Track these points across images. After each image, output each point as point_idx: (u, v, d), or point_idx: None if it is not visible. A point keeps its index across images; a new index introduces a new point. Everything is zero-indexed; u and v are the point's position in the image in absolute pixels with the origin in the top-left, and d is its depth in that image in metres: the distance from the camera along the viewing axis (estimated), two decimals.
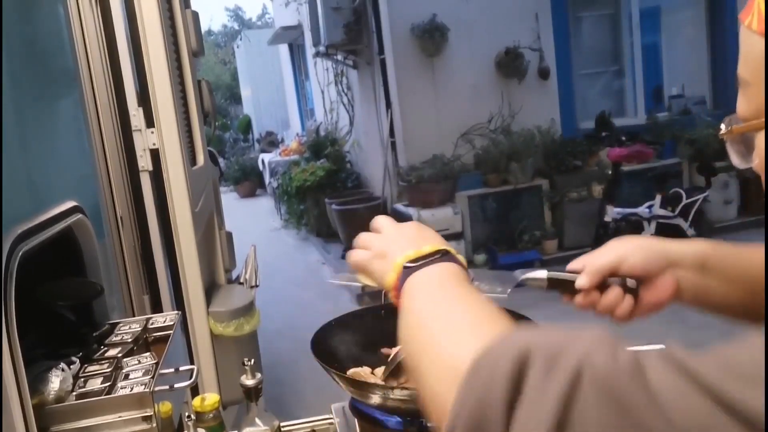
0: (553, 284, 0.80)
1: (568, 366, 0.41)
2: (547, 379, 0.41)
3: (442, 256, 0.64)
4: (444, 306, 0.57)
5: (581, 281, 0.78)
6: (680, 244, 0.77)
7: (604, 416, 0.38)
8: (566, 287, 0.80)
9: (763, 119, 0.46)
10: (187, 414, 1.03)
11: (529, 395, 0.41)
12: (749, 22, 0.46)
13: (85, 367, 1.13)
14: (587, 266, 0.78)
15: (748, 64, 0.47)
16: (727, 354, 0.38)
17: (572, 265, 0.81)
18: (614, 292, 0.76)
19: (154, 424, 1.00)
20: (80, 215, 1.27)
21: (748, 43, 0.47)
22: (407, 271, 0.63)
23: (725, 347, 0.39)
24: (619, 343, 0.43)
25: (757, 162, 0.49)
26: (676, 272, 0.76)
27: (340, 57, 6.68)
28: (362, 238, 0.75)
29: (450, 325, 0.54)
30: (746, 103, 0.48)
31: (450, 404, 0.45)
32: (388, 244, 0.70)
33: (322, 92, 8.03)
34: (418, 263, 0.64)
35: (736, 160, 0.52)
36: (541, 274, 0.82)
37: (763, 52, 0.45)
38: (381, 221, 0.75)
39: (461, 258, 0.66)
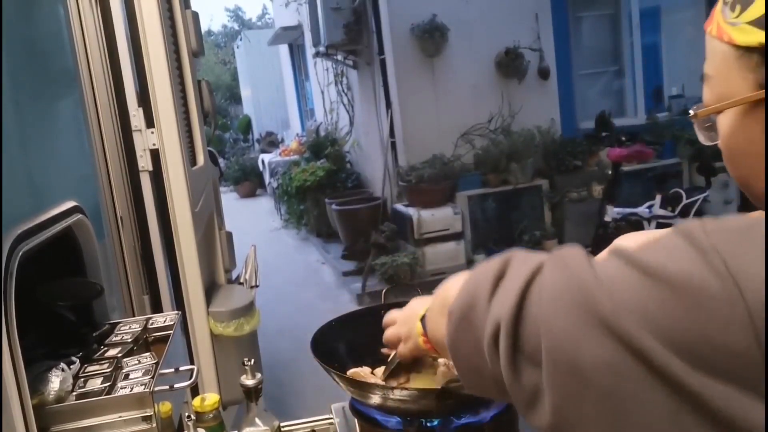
0: None
1: (537, 259, 0.57)
2: (521, 266, 0.57)
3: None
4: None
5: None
6: None
7: (558, 278, 0.52)
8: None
9: (720, 104, 0.58)
10: (187, 414, 1.03)
11: (507, 279, 0.57)
12: (710, 29, 0.59)
13: (85, 367, 1.13)
14: None
15: (711, 62, 0.60)
16: (646, 242, 0.51)
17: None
18: None
19: (154, 424, 1.00)
20: (80, 215, 1.27)
21: (711, 45, 0.60)
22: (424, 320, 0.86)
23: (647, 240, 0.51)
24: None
25: (719, 141, 0.61)
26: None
27: (340, 57, 6.68)
28: (389, 323, 1.00)
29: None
30: (709, 92, 0.61)
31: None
32: (405, 315, 0.94)
33: (322, 92, 8.03)
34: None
35: (702, 138, 0.64)
36: None
37: (722, 52, 0.57)
38: (394, 313, 0.99)
39: None
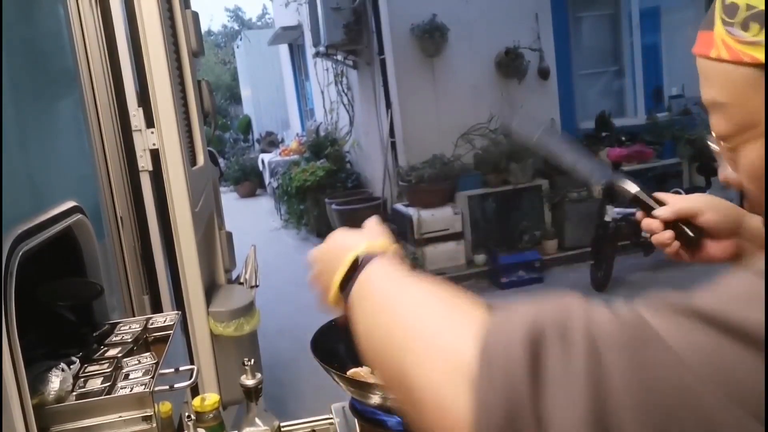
0: (636, 201, 0.92)
1: (580, 338, 0.40)
2: (565, 359, 0.40)
3: (381, 254, 0.65)
4: (410, 293, 0.54)
5: (660, 211, 0.88)
6: (754, 219, 0.85)
7: (627, 378, 0.38)
8: (645, 209, 0.91)
9: (751, 132, 0.53)
10: (187, 414, 1.03)
11: (551, 376, 0.40)
12: (717, 54, 0.54)
13: (85, 367, 1.13)
14: (671, 203, 0.88)
15: (723, 89, 0.54)
16: (719, 287, 0.41)
17: (660, 195, 0.91)
18: (668, 233, 0.87)
19: (154, 424, 1.00)
20: (80, 215, 1.27)
21: (720, 71, 0.54)
22: (359, 265, 0.64)
23: (714, 284, 0.41)
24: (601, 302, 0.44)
25: (746, 170, 0.56)
26: (741, 241, 0.85)
27: (340, 57, 6.68)
28: (313, 252, 0.77)
29: (427, 312, 0.50)
30: (727, 122, 0.55)
31: (462, 404, 0.42)
32: (338, 245, 0.71)
33: (322, 92, 8.03)
34: (367, 257, 0.64)
35: (724, 175, 0.60)
36: (632, 187, 0.93)
37: (741, 76, 0.52)
38: (331, 234, 0.76)
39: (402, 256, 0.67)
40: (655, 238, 0.89)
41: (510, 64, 5.66)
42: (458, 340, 0.45)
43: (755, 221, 0.84)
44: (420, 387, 0.46)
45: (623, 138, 5.31)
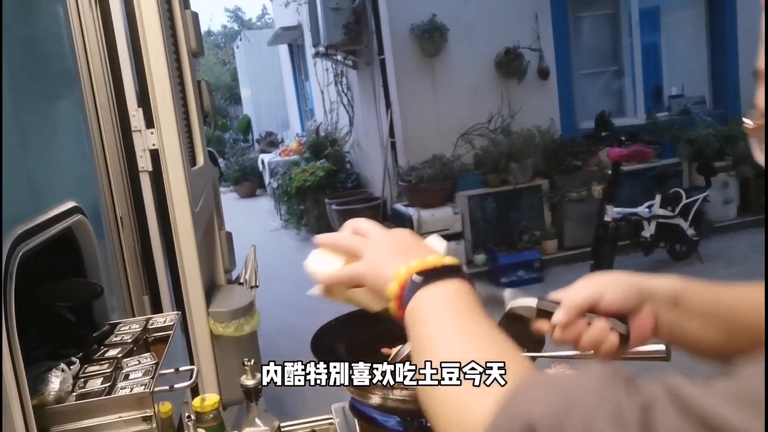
0: (541, 314, 0.76)
1: None
2: None
3: (450, 270, 0.60)
4: (457, 341, 0.54)
5: (557, 317, 0.73)
6: (654, 279, 0.75)
7: None
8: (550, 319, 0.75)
9: None
10: (187, 414, 1.03)
11: None
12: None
13: (85, 368, 1.13)
14: (564, 302, 0.73)
15: None
16: (729, 386, 0.38)
17: (553, 295, 0.76)
18: (598, 327, 0.72)
19: (154, 425, 1.00)
20: (80, 216, 1.27)
21: None
22: (413, 285, 0.59)
23: (727, 378, 0.38)
24: (622, 383, 0.41)
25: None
26: (653, 307, 0.73)
27: (339, 57, 6.68)
28: (345, 241, 0.69)
29: (463, 367, 0.51)
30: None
31: None
32: (382, 251, 0.66)
33: (322, 92, 8.03)
34: (425, 276, 0.59)
35: (759, 155, 0.50)
36: (530, 302, 0.77)
37: None
38: (363, 224, 0.69)
39: (465, 270, 0.63)
40: (584, 345, 0.72)
41: (510, 64, 5.66)
42: (474, 408, 0.46)
43: (652, 282, 0.75)
44: (439, 420, 0.50)
45: (623, 138, 5.29)
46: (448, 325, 0.55)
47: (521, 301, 0.77)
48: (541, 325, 0.75)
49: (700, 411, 0.37)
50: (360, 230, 0.70)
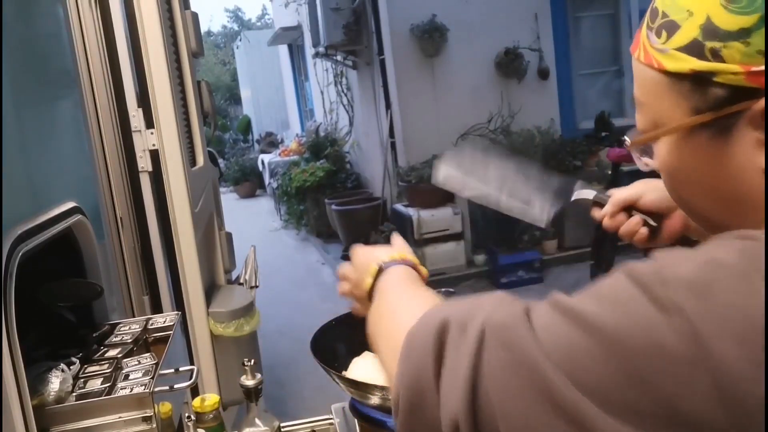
0: (596, 205, 0.97)
1: (474, 329, 0.51)
2: (460, 342, 0.51)
3: (402, 261, 0.79)
4: (400, 298, 0.71)
5: (606, 208, 0.95)
6: None
7: (502, 360, 0.48)
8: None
9: (654, 132, 0.58)
10: (187, 414, 1.03)
11: (448, 359, 0.52)
12: (638, 55, 0.58)
13: (85, 368, 1.13)
14: (612, 197, 0.94)
15: (641, 88, 0.59)
16: (594, 288, 0.49)
17: (609, 192, 0.97)
18: (633, 221, 0.92)
19: (154, 425, 1.00)
20: (80, 216, 1.27)
21: (639, 71, 0.58)
22: (378, 273, 0.78)
23: (594, 286, 0.49)
24: (516, 300, 0.54)
25: (658, 163, 0.60)
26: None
27: (339, 57, 6.68)
28: (342, 268, 0.91)
29: (400, 312, 0.66)
30: (643, 118, 0.60)
31: (393, 378, 0.56)
32: (364, 260, 0.83)
33: (322, 93, 8.03)
34: (387, 265, 0.78)
35: (640, 165, 0.63)
36: (589, 194, 0.98)
37: (652, 79, 0.56)
38: (355, 250, 0.87)
39: (420, 266, 0.80)
40: (622, 233, 0.93)
41: (509, 65, 5.66)
42: (402, 328, 0.58)
43: None
44: (383, 363, 0.64)
45: (623, 138, 5.28)
46: (400, 291, 0.73)
47: (584, 192, 1.00)
48: (594, 213, 0.97)
49: (567, 305, 0.48)
50: (350, 265, 0.89)
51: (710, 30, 0.51)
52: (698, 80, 0.52)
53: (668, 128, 0.56)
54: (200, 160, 2.44)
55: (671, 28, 0.53)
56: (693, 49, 0.52)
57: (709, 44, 0.51)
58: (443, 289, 1.46)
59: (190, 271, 1.96)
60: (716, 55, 0.50)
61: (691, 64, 0.52)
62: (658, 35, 0.55)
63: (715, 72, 0.50)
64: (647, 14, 0.58)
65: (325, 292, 5.59)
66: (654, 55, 0.55)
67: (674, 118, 0.55)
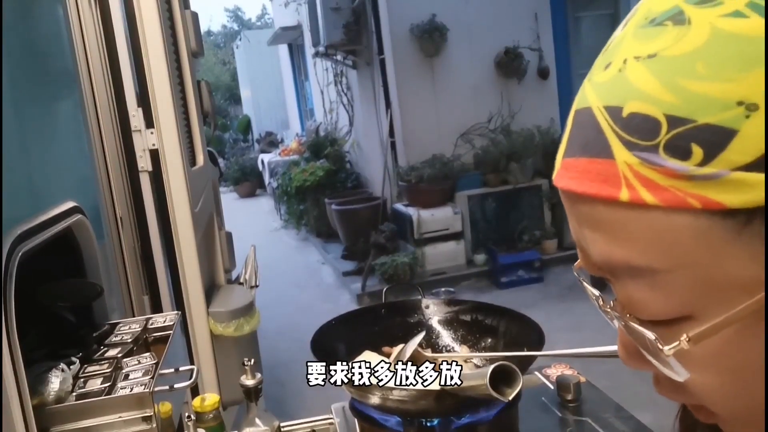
0: None
1: None
2: None
3: None
4: None
5: None
6: None
7: None
8: None
9: (724, 319, 0.32)
10: (187, 414, 1.03)
11: None
12: (630, 195, 0.33)
13: (85, 368, 1.13)
14: None
15: (652, 248, 0.34)
16: None
17: None
18: None
19: (154, 425, 1.00)
20: (80, 216, 1.27)
21: (642, 222, 0.33)
22: None
23: None
24: None
25: (703, 370, 0.35)
26: None
27: (339, 57, 6.68)
28: None
29: None
30: (664, 299, 0.35)
31: None
32: None
33: (322, 92, 8.03)
34: None
35: (679, 377, 0.36)
36: None
37: (681, 228, 0.32)
38: None
39: None
40: None
41: (509, 64, 5.66)
42: None
43: None
44: None
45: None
46: None
47: None
48: None
49: None
50: None
51: None
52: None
53: (738, 311, 0.32)
54: (200, 159, 2.44)
55: (714, 137, 0.30)
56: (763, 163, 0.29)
57: None
58: (443, 289, 1.46)
59: (190, 271, 1.96)
60: None
61: (761, 191, 0.29)
62: (680, 155, 0.31)
63: None
64: (606, 131, 0.34)
65: (325, 291, 5.59)
66: (684, 189, 0.31)
67: (753, 284, 0.31)
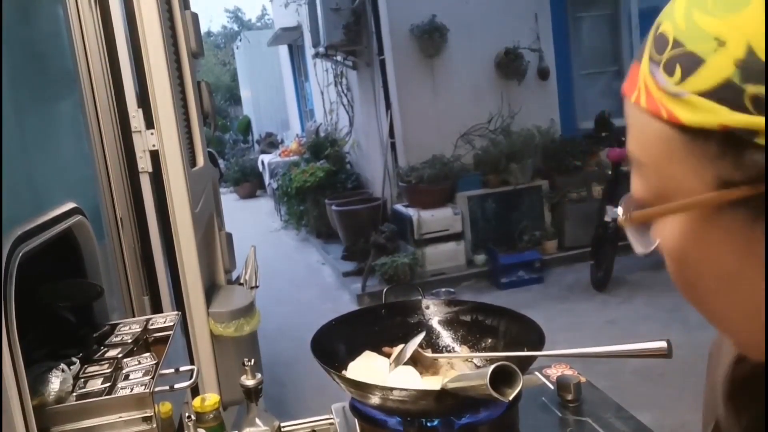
0: None
1: None
2: None
3: None
4: None
5: None
6: None
7: None
8: None
9: (663, 206, 0.42)
10: (187, 414, 1.03)
11: None
12: (636, 98, 0.42)
13: (85, 368, 1.13)
14: None
15: (641, 144, 0.42)
16: None
17: None
18: None
19: (155, 425, 1.00)
20: (80, 217, 1.27)
21: (639, 120, 0.42)
22: None
23: None
24: None
25: (663, 246, 0.44)
26: None
27: (339, 58, 6.68)
28: None
29: None
30: (642, 184, 0.43)
31: None
32: None
33: (322, 93, 8.04)
34: None
35: (638, 247, 0.45)
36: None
37: (660, 133, 0.40)
38: None
39: None
40: None
41: (510, 65, 5.66)
42: None
43: None
44: None
45: (623, 138, 5.29)
46: None
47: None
48: None
49: None
50: None
51: (753, 68, 0.34)
52: (730, 140, 0.36)
53: (684, 203, 0.40)
54: (200, 160, 2.44)
55: (690, 63, 0.37)
56: (725, 94, 0.35)
57: (750, 89, 0.35)
58: (443, 290, 1.46)
59: (190, 271, 1.96)
60: (760, 105, 0.34)
61: (721, 117, 0.35)
62: (669, 72, 0.38)
63: (756, 131, 0.35)
64: (649, 41, 0.42)
65: (325, 292, 5.59)
66: (663, 101, 0.39)
67: (692, 190, 0.39)
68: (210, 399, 1.07)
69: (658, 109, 0.39)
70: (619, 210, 0.46)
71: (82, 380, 1.08)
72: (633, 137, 0.43)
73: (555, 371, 1.31)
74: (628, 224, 0.45)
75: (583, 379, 1.24)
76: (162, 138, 1.88)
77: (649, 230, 0.44)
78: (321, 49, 6.36)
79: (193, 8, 2.58)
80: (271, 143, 12.19)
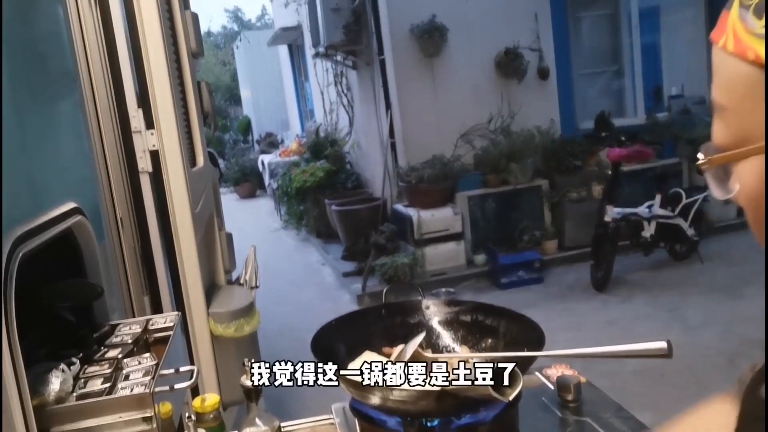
0: None
1: None
2: None
3: None
4: None
5: None
6: None
7: None
8: None
9: (744, 149, 0.43)
10: (187, 414, 1.03)
11: None
12: (723, 42, 0.44)
13: (86, 368, 1.13)
14: None
15: (726, 89, 0.44)
16: None
17: None
18: None
19: (155, 425, 1.00)
20: (80, 217, 1.27)
21: (725, 65, 0.44)
22: None
23: None
24: None
25: (737, 192, 0.46)
26: None
27: (339, 58, 6.68)
28: None
29: None
30: (725, 130, 0.45)
31: None
32: None
33: (322, 93, 8.04)
34: None
35: (717, 192, 0.47)
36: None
37: (745, 75, 0.41)
38: None
39: None
40: None
41: (510, 64, 5.66)
42: None
43: None
44: None
45: (623, 138, 5.29)
46: None
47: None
48: None
49: None
50: None
51: None
52: None
53: (764, 144, 0.41)
54: (200, 160, 2.44)
55: None
56: None
57: None
58: (443, 290, 1.46)
59: (190, 271, 1.96)
60: None
61: None
62: (759, 15, 0.40)
63: None
64: None
65: (325, 292, 5.59)
66: (750, 43, 0.40)
67: (757, 132, 0.41)
68: (210, 399, 1.07)
69: (745, 51, 0.41)
70: (700, 155, 0.48)
71: (82, 380, 1.08)
72: (717, 83, 0.45)
73: (555, 371, 1.31)
74: (708, 168, 0.47)
75: (583, 380, 1.24)
76: (162, 138, 1.88)
77: (729, 178, 0.46)
78: (321, 49, 6.36)
79: (193, 8, 2.58)
80: (271, 143, 12.19)
